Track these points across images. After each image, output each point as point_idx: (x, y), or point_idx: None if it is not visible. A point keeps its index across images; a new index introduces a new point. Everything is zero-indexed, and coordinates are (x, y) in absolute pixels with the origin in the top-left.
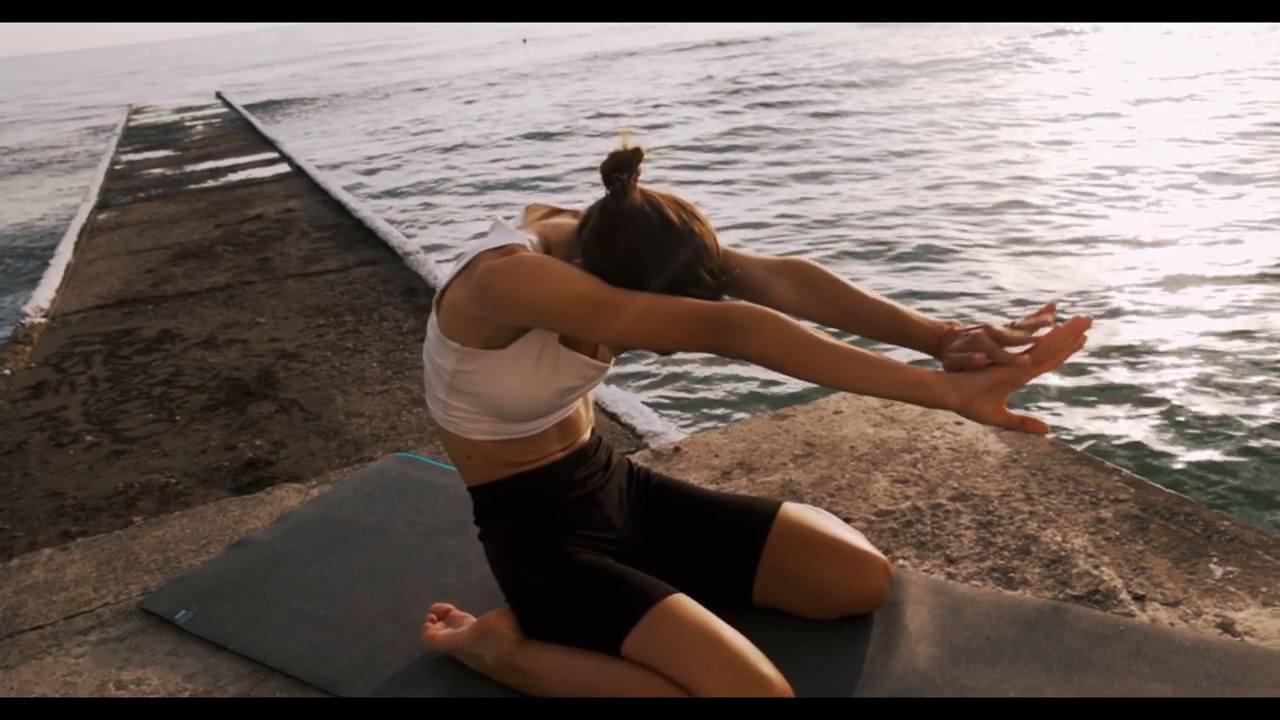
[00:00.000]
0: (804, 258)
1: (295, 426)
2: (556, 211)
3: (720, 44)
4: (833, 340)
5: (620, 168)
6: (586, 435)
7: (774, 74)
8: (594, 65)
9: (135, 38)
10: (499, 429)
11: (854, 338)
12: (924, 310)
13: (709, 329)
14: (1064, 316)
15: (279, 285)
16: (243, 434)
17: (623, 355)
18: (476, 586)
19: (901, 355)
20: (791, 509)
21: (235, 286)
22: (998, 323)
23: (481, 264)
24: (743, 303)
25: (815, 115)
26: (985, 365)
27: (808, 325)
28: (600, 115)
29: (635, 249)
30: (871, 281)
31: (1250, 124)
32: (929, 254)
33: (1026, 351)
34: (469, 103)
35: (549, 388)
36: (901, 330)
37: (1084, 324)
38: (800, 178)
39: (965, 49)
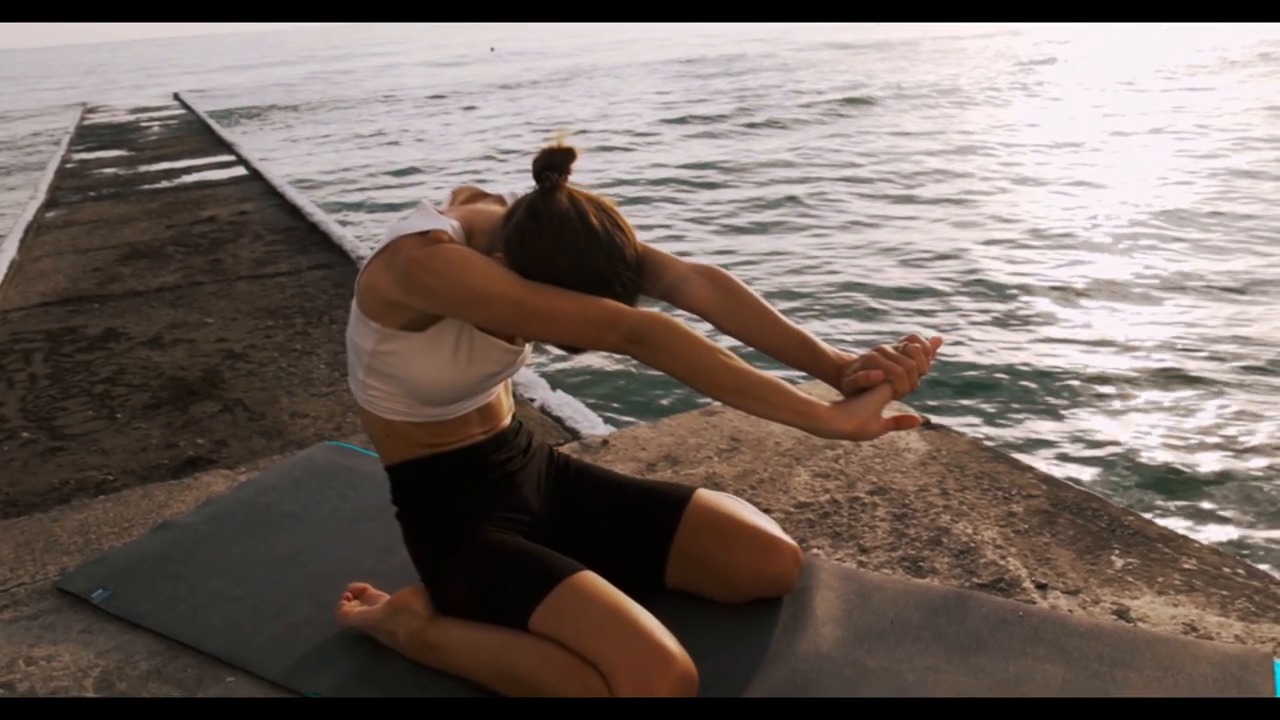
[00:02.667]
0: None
1: (239, 426)
2: (482, 195)
3: (689, 61)
4: (737, 361)
5: (552, 166)
6: (507, 420)
7: (742, 95)
8: (559, 80)
9: (92, 38)
10: (417, 411)
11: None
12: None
13: (618, 335)
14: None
15: (229, 287)
16: (184, 433)
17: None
18: (397, 569)
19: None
20: (705, 495)
21: (184, 287)
22: (886, 345)
23: (404, 251)
24: (656, 312)
25: (779, 143)
26: (881, 380)
27: (716, 343)
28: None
29: (556, 251)
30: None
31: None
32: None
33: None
34: (431, 115)
35: (467, 373)
36: (809, 358)
37: (938, 343)
38: (751, 206)
39: (936, 76)
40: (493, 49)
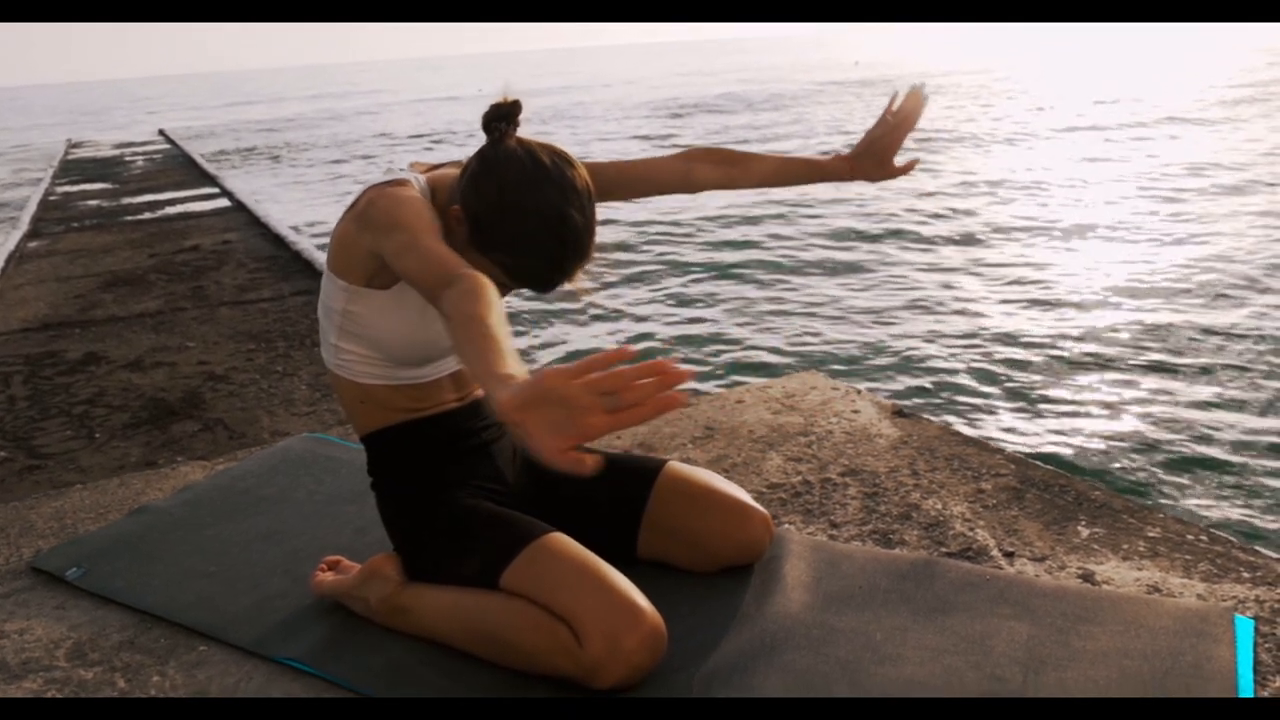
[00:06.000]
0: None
1: (219, 444)
2: (437, 166)
3: (673, 99)
4: (477, 324)
5: (499, 118)
6: (481, 390)
7: (729, 136)
8: (543, 119)
9: (72, 77)
10: (391, 374)
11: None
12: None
13: (435, 285)
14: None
15: (211, 312)
16: (164, 451)
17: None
18: (372, 546)
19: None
20: (676, 465)
21: (166, 313)
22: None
23: (366, 194)
24: (465, 274)
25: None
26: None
27: (488, 306)
28: None
29: (505, 189)
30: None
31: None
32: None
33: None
34: (420, 153)
35: (436, 325)
36: (815, 171)
37: (917, 96)
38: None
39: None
40: (480, 90)
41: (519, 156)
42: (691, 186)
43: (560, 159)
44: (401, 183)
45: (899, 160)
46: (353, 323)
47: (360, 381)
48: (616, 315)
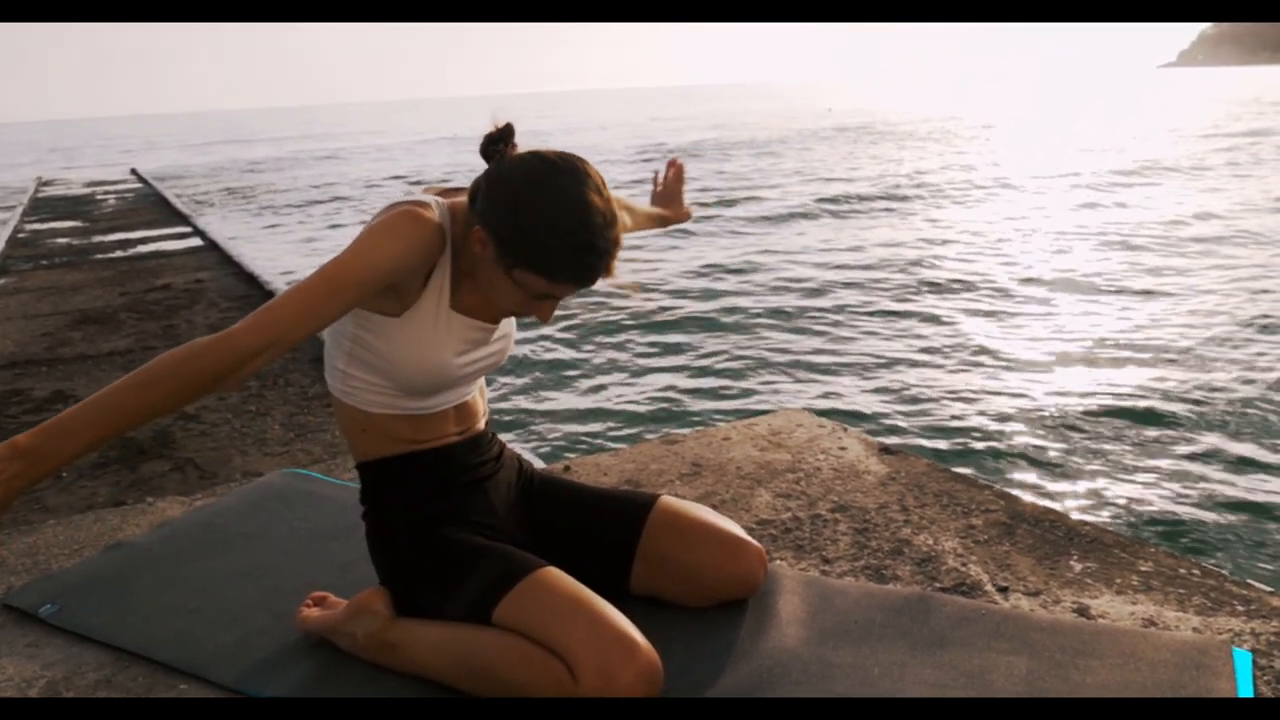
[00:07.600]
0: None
1: (189, 484)
2: (455, 191)
3: (652, 144)
4: (126, 379)
5: (496, 141)
6: (482, 424)
7: (708, 186)
8: None
9: (44, 115)
10: (397, 403)
11: None
12: None
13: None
14: None
15: None
16: (132, 491)
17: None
18: (357, 582)
19: None
20: (668, 500)
21: (137, 352)
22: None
23: (382, 214)
24: (226, 333)
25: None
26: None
27: (155, 373)
28: None
29: (520, 191)
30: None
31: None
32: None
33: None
34: (405, 193)
35: (445, 350)
36: (663, 219)
37: (675, 163)
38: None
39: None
40: (454, 136)
41: (527, 160)
42: (633, 228)
43: (567, 155)
44: (422, 205)
45: (686, 204)
46: (362, 349)
47: (365, 409)
48: (599, 363)
